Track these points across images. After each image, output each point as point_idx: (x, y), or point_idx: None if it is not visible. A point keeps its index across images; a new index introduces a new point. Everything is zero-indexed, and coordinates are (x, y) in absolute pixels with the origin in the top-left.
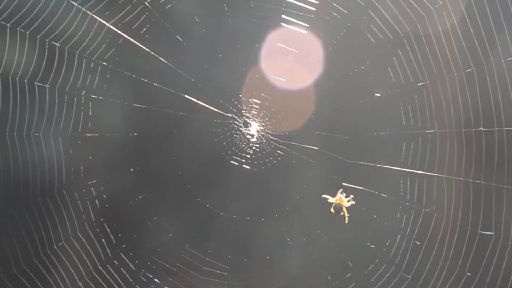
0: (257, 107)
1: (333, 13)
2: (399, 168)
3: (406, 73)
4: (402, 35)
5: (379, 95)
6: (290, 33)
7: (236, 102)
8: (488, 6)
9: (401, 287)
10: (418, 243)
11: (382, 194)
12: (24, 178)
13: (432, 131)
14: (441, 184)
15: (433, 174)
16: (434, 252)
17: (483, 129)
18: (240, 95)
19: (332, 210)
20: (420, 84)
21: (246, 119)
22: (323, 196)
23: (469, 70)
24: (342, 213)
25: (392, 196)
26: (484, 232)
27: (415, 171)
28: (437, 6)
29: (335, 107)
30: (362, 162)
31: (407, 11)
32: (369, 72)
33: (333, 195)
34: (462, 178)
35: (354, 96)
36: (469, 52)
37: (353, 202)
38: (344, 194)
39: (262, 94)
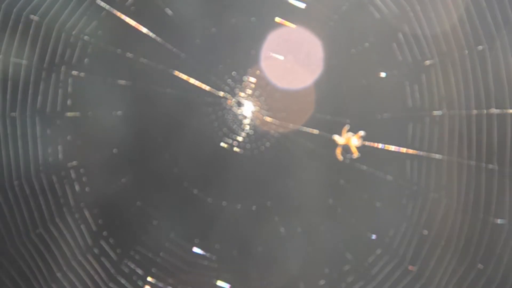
0: (252, 85)
1: None
2: (405, 150)
3: (413, 51)
4: (408, 8)
5: (384, 74)
6: (289, 5)
7: (229, 80)
8: None
9: (405, 281)
10: (426, 232)
11: (388, 176)
12: None
13: (440, 112)
14: (451, 168)
15: (443, 156)
16: (443, 242)
17: (495, 110)
18: (234, 72)
19: (340, 156)
20: (428, 62)
21: (239, 98)
22: (332, 137)
23: (480, 47)
24: (351, 155)
25: (399, 180)
26: (497, 220)
27: (423, 153)
28: None
29: (337, 88)
30: (366, 143)
31: None
32: (373, 50)
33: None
34: (473, 162)
35: (357, 76)
36: (481, 28)
37: (362, 141)
38: (352, 133)
39: (258, 72)
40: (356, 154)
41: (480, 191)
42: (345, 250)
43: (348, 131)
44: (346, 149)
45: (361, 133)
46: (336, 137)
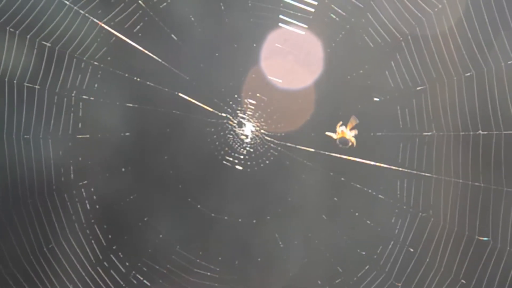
0: (253, 107)
1: (332, 15)
2: (396, 168)
3: (404, 78)
4: (401, 38)
5: (377, 99)
6: (288, 34)
7: (231, 102)
8: (486, 10)
9: None
10: (412, 250)
11: (380, 196)
12: (13, 181)
13: (429, 133)
14: (439, 186)
15: (431, 175)
16: (428, 259)
17: (481, 132)
18: (236, 95)
19: (340, 145)
20: (419, 88)
21: (240, 119)
22: (327, 134)
23: (468, 74)
24: (350, 144)
25: (389, 198)
26: (481, 238)
27: (413, 171)
28: (436, 10)
29: (333, 110)
30: (359, 160)
31: (406, 15)
32: (367, 76)
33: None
34: (460, 180)
35: (352, 100)
36: (468, 56)
37: (356, 131)
38: (344, 126)
39: (258, 95)
40: (353, 143)
41: (465, 210)
42: (336, 264)
43: (341, 125)
44: (343, 141)
45: (353, 121)
46: (330, 133)
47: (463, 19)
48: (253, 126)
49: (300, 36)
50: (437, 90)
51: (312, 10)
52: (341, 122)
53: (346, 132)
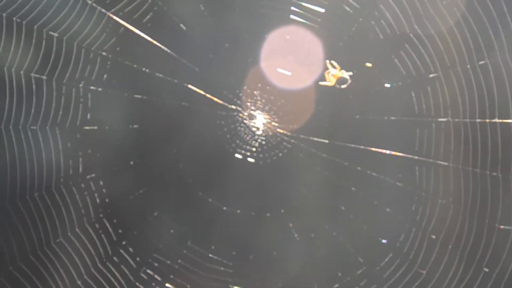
0: (263, 99)
1: (346, 7)
2: (413, 156)
3: (417, 65)
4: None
5: (388, 85)
6: (300, 26)
7: (241, 94)
8: None
9: (416, 283)
10: (434, 237)
11: (398, 183)
12: (21, 172)
13: (445, 119)
14: (458, 175)
15: (449, 164)
16: (450, 246)
17: (498, 120)
18: (245, 87)
19: (341, 86)
20: (432, 75)
21: (251, 111)
22: (320, 83)
23: (482, 62)
24: (349, 80)
25: (408, 186)
26: (502, 227)
27: (430, 159)
28: (444, 3)
29: (345, 100)
30: (374, 149)
31: (417, 5)
32: (379, 67)
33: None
34: (478, 170)
35: (364, 88)
36: (483, 44)
37: (350, 73)
38: (333, 69)
39: (268, 87)
40: (347, 77)
41: (486, 198)
42: (357, 254)
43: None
44: (341, 81)
45: (332, 63)
46: (324, 83)
47: (477, 6)
48: (264, 118)
49: (312, 29)
50: (452, 78)
51: (326, 2)
52: (328, 70)
53: (338, 74)
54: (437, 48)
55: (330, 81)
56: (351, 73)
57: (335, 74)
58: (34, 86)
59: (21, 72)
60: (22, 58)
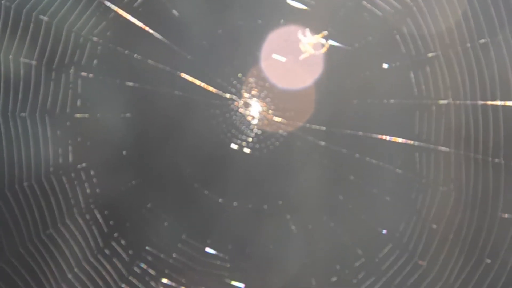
0: (258, 87)
1: None
2: (413, 142)
3: (417, 44)
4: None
5: (386, 66)
6: (293, 7)
7: (235, 82)
8: None
9: (416, 275)
10: (434, 226)
11: (397, 170)
12: (9, 161)
13: (446, 101)
14: (459, 161)
15: (450, 149)
16: (451, 236)
17: (500, 103)
18: (240, 75)
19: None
20: (431, 54)
21: (246, 99)
22: (301, 58)
23: (483, 40)
24: (325, 43)
25: (407, 173)
26: (505, 215)
27: (430, 145)
28: None
29: (341, 80)
30: (373, 135)
31: None
32: (376, 44)
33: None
34: (480, 156)
35: (360, 70)
36: (484, 22)
37: (323, 33)
38: (306, 38)
39: (263, 74)
40: (322, 40)
41: (488, 186)
42: (355, 246)
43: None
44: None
45: (304, 31)
46: (304, 56)
47: None
48: (260, 106)
49: (305, 11)
50: (451, 57)
51: None
52: (301, 41)
53: (312, 41)
54: (438, 25)
55: (307, 51)
56: (325, 33)
57: (309, 42)
58: (22, 71)
59: (10, 56)
60: (10, 42)
